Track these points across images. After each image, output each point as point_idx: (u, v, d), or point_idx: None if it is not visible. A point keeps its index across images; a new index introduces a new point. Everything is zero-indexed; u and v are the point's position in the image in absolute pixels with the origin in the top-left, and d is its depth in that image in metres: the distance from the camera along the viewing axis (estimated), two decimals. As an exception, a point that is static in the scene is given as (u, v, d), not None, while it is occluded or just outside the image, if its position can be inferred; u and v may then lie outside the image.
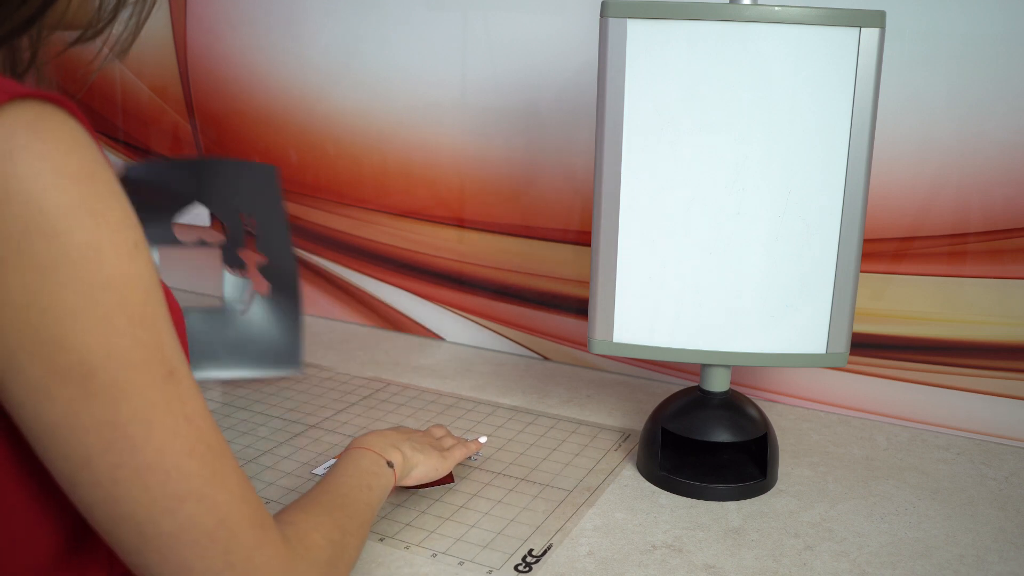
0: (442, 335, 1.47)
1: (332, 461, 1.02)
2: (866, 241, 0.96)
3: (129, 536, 0.50)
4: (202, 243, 1.29)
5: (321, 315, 1.56)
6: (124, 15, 0.57)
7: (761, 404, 1.09)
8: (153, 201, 1.22)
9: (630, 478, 1.01)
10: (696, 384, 1.03)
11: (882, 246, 1.13)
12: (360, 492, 0.76)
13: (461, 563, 0.83)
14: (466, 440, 1.01)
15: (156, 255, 1.24)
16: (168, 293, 0.58)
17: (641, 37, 0.89)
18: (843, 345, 0.95)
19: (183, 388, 0.49)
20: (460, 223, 1.40)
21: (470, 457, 1.04)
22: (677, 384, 1.27)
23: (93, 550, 0.56)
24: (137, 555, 0.51)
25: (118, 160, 1.69)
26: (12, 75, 0.54)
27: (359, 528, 0.71)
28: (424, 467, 0.90)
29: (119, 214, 0.46)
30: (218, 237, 1.27)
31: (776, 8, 0.87)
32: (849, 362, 0.98)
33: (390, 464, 0.83)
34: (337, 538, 0.65)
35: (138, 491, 0.48)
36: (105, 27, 0.56)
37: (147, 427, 0.48)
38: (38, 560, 0.53)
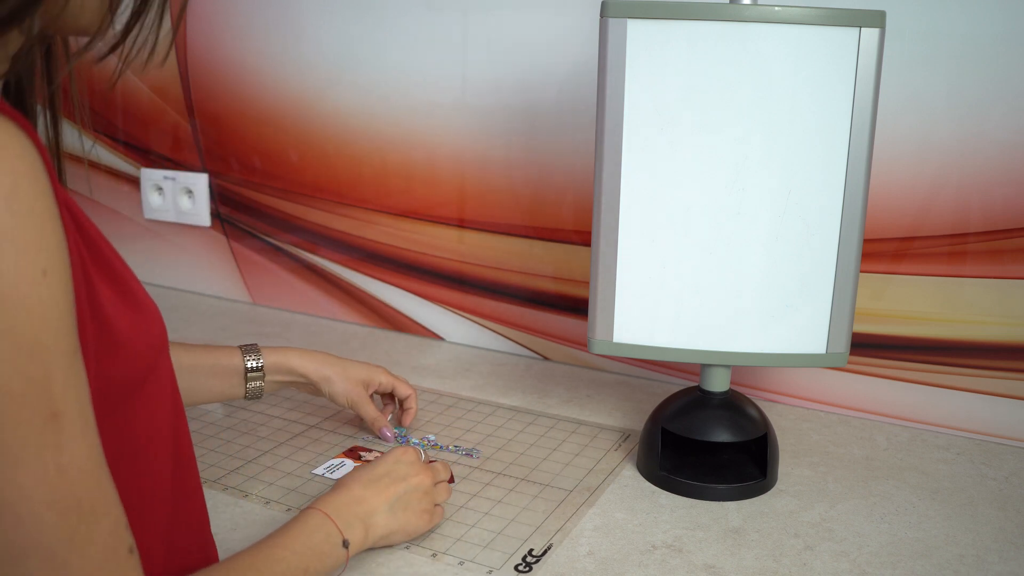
0: (442, 335, 1.47)
1: (332, 461, 1.03)
2: (866, 241, 0.96)
3: None
4: None
5: (321, 315, 1.56)
6: (148, 20, 0.54)
7: (761, 404, 1.09)
8: None
9: (630, 478, 1.01)
10: (696, 384, 1.03)
11: (882, 246, 1.13)
12: (296, 573, 0.69)
13: (461, 563, 0.83)
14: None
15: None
16: (137, 299, 0.55)
17: (641, 37, 0.89)
18: (843, 345, 0.95)
19: (65, 436, 0.46)
20: (460, 223, 1.40)
21: (471, 455, 1.04)
22: (677, 384, 1.27)
23: None
24: None
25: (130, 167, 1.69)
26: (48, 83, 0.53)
27: None
28: (401, 535, 0.83)
29: (32, 235, 0.44)
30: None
31: (776, 8, 0.87)
32: (849, 362, 0.98)
33: (345, 544, 0.75)
34: None
35: None
36: (123, 37, 0.53)
37: (13, 467, 0.44)
38: None
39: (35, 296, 0.44)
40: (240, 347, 1.02)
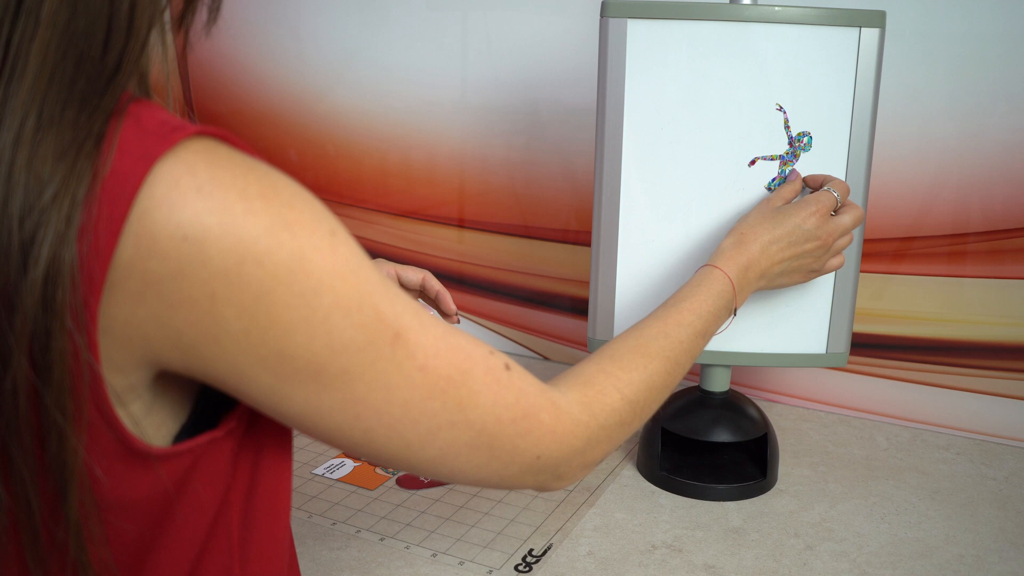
0: (442, 335, 1.47)
1: (332, 461, 1.03)
2: (866, 241, 0.96)
3: (398, 464, 0.53)
4: None
5: (321, 315, 1.56)
6: None
7: (761, 404, 1.09)
8: None
9: (630, 478, 1.01)
10: (696, 384, 1.03)
11: (882, 246, 1.13)
12: (695, 339, 0.73)
13: (461, 563, 0.83)
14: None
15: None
16: None
17: (641, 37, 0.89)
18: (843, 345, 0.95)
19: (411, 342, 0.50)
20: (460, 223, 1.40)
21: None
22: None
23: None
24: (425, 472, 0.54)
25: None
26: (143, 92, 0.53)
27: (668, 377, 0.69)
28: (775, 288, 0.85)
29: (308, 213, 0.47)
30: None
31: (776, 8, 0.87)
32: (849, 362, 0.98)
33: (734, 313, 0.78)
34: (640, 396, 0.65)
35: (394, 440, 0.51)
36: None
37: (386, 391, 0.49)
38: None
39: (338, 257, 0.47)
40: None
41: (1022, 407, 1.11)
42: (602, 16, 0.89)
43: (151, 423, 0.47)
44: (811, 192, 0.87)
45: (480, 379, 0.53)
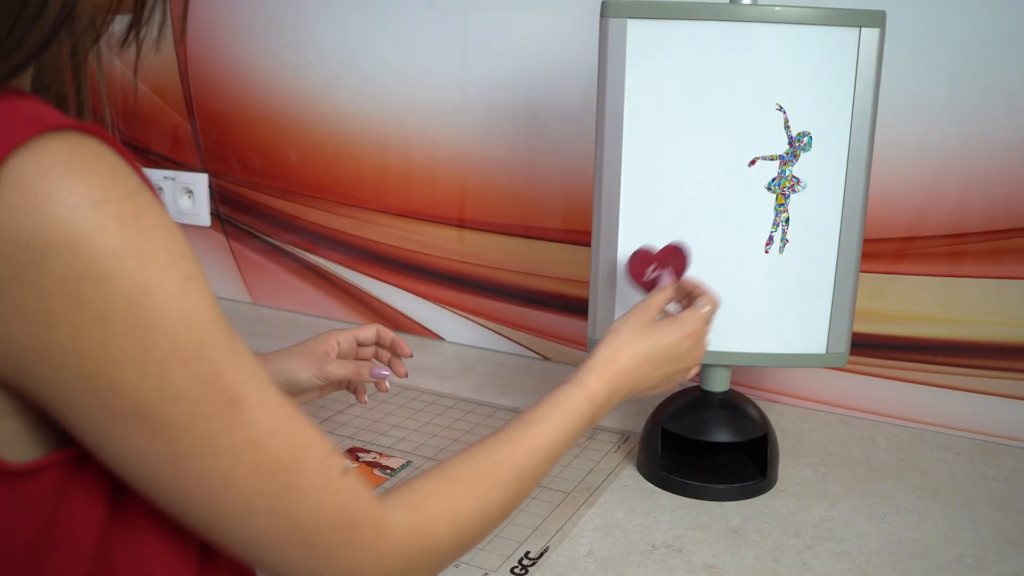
0: (442, 335, 1.47)
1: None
2: (866, 241, 0.96)
3: (209, 536, 0.50)
4: None
5: (321, 315, 1.56)
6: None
7: (761, 404, 1.09)
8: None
9: (630, 478, 1.01)
10: (696, 384, 1.03)
11: (882, 246, 1.13)
12: (545, 464, 0.69)
13: (456, 565, 0.83)
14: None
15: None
16: None
17: (641, 37, 0.89)
18: (843, 345, 0.95)
19: (248, 413, 0.48)
20: (460, 223, 1.40)
21: None
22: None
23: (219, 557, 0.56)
24: (235, 552, 0.52)
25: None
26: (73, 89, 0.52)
27: (506, 508, 0.65)
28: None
29: (168, 249, 0.44)
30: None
31: (776, 8, 0.87)
32: (849, 362, 0.98)
33: (591, 436, 0.75)
34: (471, 527, 0.62)
35: (209, 510, 0.48)
36: (137, 15, 0.52)
37: (212, 457, 0.47)
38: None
39: (186, 304, 0.45)
40: None
41: (1022, 407, 1.11)
42: (602, 16, 0.89)
43: (31, 440, 0.46)
44: (680, 306, 0.88)
45: (313, 473, 0.51)
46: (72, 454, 0.47)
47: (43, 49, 0.45)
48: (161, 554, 0.52)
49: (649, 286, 0.89)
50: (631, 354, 0.79)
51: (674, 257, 0.88)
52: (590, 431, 0.74)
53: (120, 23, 0.53)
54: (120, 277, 0.42)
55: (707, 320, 0.85)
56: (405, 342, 0.93)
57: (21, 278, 0.41)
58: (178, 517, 0.50)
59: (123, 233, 0.42)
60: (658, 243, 0.89)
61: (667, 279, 0.88)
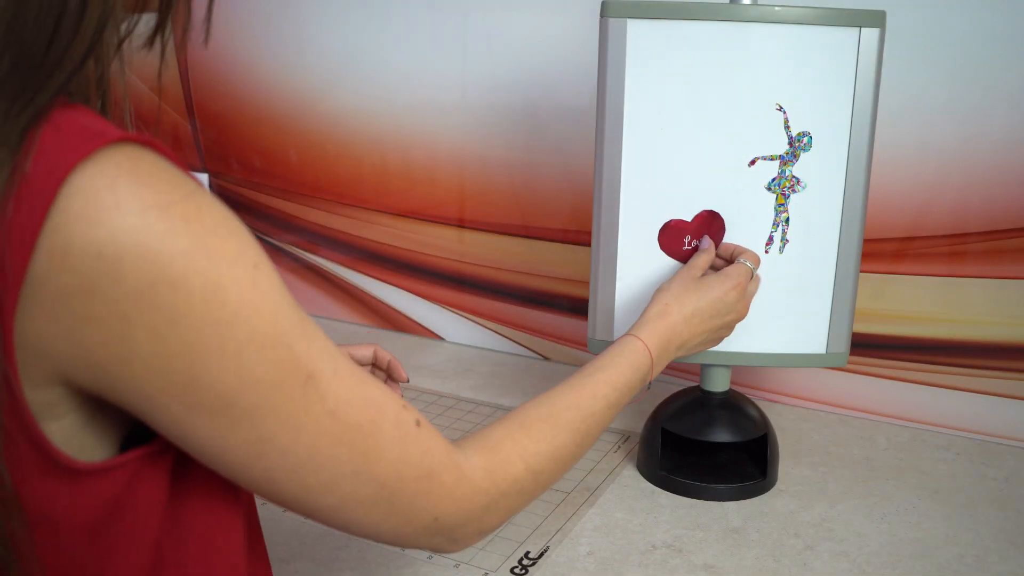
0: (442, 335, 1.47)
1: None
2: (866, 241, 0.96)
3: (296, 508, 0.52)
4: None
5: (321, 315, 1.56)
6: None
7: (761, 404, 1.09)
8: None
9: (630, 478, 1.01)
10: (696, 384, 1.03)
11: (882, 246, 1.13)
12: (607, 411, 0.72)
13: (457, 565, 0.83)
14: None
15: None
16: None
17: (641, 37, 0.89)
18: (843, 345, 0.95)
19: (324, 386, 0.49)
20: (460, 223, 1.40)
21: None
22: (677, 384, 1.27)
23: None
24: (324, 520, 0.54)
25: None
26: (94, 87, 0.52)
27: (576, 449, 0.68)
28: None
29: (233, 242, 0.45)
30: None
31: (776, 8, 0.87)
32: (849, 362, 0.98)
33: (648, 386, 0.79)
34: (545, 467, 0.64)
35: (295, 484, 0.50)
36: (163, 16, 0.52)
37: (294, 433, 0.48)
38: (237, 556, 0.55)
39: (258, 292, 0.46)
40: None
41: (1022, 407, 1.11)
42: (602, 16, 0.89)
43: (88, 437, 0.46)
44: (724, 264, 0.90)
45: (389, 432, 0.53)
46: (141, 453, 0.48)
47: (86, 60, 0.45)
48: (210, 539, 0.53)
49: (688, 256, 0.92)
50: (679, 308, 0.83)
51: (710, 224, 0.91)
52: (647, 386, 0.79)
53: (144, 24, 0.53)
54: (192, 276, 0.43)
55: (750, 273, 0.88)
56: (401, 365, 0.92)
57: (96, 289, 0.41)
58: (266, 494, 0.51)
59: (190, 232, 0.43)
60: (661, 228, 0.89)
61: (707, 243, 0.91)
